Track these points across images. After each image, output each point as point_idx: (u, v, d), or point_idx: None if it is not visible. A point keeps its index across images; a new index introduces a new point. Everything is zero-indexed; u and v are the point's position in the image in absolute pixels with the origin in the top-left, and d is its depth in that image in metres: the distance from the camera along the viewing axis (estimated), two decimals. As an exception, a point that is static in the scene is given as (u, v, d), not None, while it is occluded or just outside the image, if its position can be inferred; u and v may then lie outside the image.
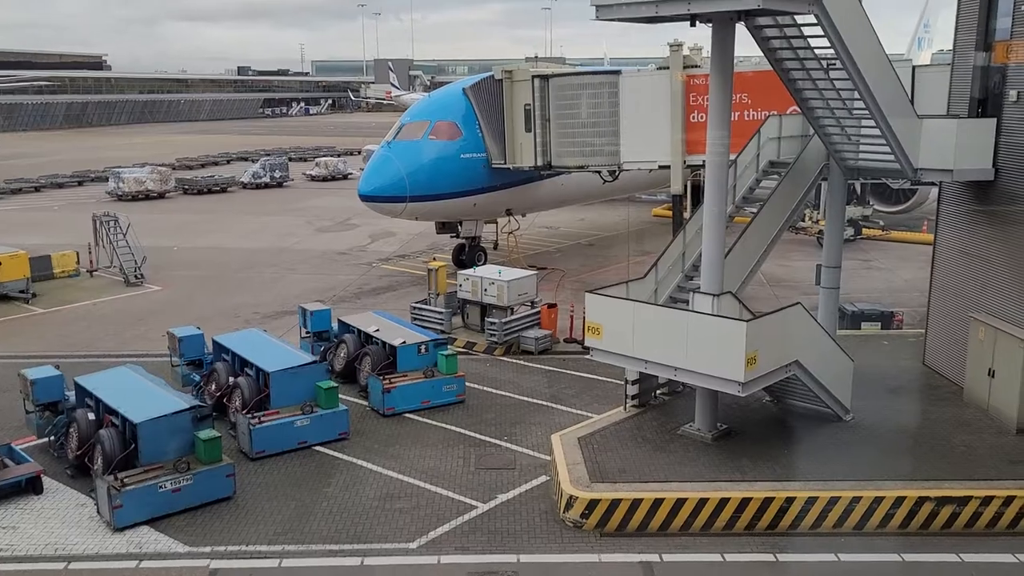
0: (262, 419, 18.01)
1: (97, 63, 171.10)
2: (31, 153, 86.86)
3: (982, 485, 14.76)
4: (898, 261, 36.20)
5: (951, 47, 20.38)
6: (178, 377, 21.32)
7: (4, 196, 57.62)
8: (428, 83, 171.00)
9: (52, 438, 17.99)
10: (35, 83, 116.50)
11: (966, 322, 18.68)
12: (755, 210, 19.84)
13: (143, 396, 17.22)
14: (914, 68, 22.87)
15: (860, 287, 30.52)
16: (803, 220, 39.17)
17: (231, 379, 19.53)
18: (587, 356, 17.83)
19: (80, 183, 64.05)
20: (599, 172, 31.51)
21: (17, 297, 30.09)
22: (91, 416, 17.21)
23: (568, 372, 23.05)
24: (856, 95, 16.07)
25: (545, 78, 30.34)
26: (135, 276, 32.97)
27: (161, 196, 56.89)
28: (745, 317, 15.60)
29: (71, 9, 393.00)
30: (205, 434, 16.22)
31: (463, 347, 24.98)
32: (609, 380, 21.46)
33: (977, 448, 16.47)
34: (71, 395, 18.39)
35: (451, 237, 35.11)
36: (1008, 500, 14.43)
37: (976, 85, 18.79)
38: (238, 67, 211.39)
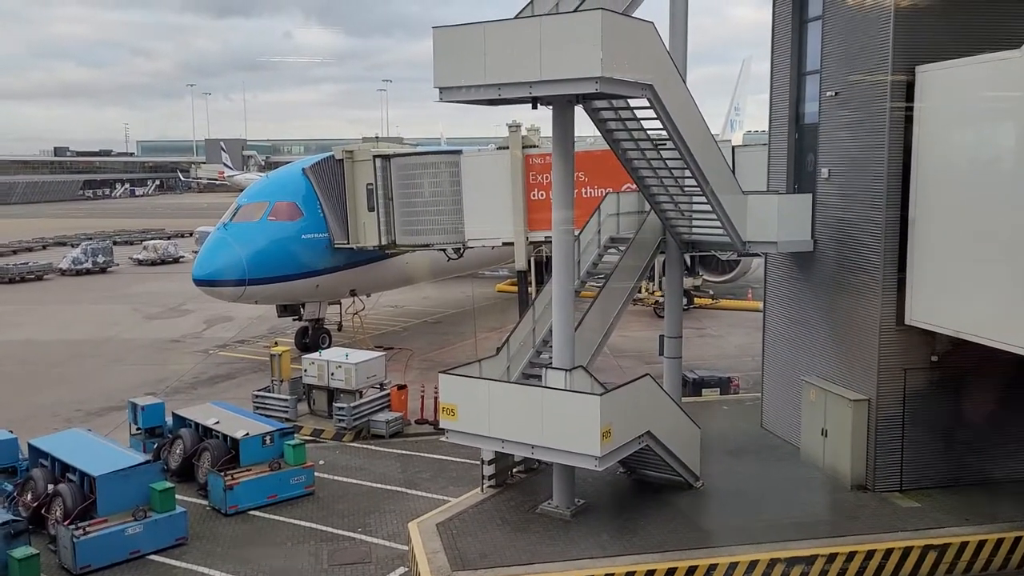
0: (87, 529, 16.32)
1: None
2: None
3: (825, 543, 15.39)
4: (728, 328, 38.19)
5: (763, 128, 22.08)
6: (-14, 489, 19.11)
7: None
8: (263, 163, 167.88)
9: None
10: None
11: (798, 385, 19.77)
12: (599, 284, 20.39)
13: (-57, 514, 15.27)
14: (734, 148, 24.59)
15: (696, 354, 31.86)
16: (640, 292, 40.78)
17: (51, 487, 17.68)
18: (441, 437, 17.45)
19: None
20: (444, 250, 31.63)
21: None
22: None
23: (422, 455, 22.50)
24: (687, 172, 16.99)
25: (387, 158, 30.38)
26: (-66, 376, 29.70)
27: (-34, 286, 52.11)
28: (598, 391, 15.79)
29: None
30: (19, 552, 14.57)
31: (310, 435, 23.94)
32: (464, 460, 21.09)
33: (817, 506, 17.26)
34: None
35: (293, 320, 34.02)
36: (850, 556, 15.11)
37: (791, 163, 20.38)
38: (55, 147, 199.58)
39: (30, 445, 19.07)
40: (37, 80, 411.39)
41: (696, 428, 17.99)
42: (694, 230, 19.41)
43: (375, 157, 30.31)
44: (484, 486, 18.24)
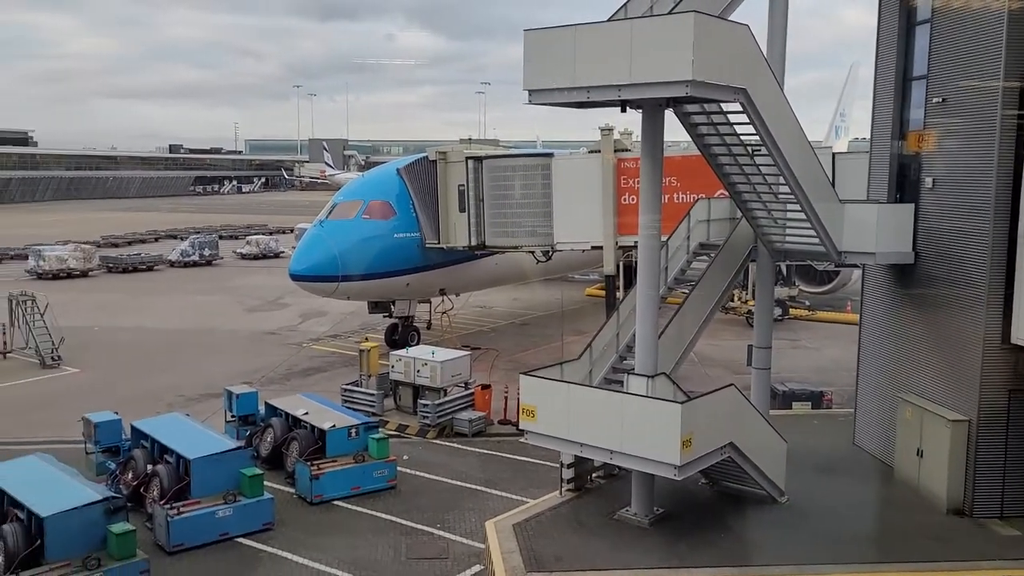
0: (181, 510, 17.07)
1: (22, 139, 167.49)
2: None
3: (915, 567, 14.75)
4: (824, 340, 37.02)
5: (867, 136, 21.31)
6: (92, 466, 20.20)
7: (-86, 274, 55.18)
8: (362, 163, 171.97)
9: (-51, 535, 16.70)
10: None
11: (894, 402, 19.01)
12: (687, 291, 20.09)
13: (52, 487, 16.18)
14: (834, 155, 23.82)
15: (788, 366, 30.99)
16: (732, 300, 39.95)
17: (149, 467, 18.56)
18: (522, 438, 17.51)
19: (-2, 261, 61.89)
20: (532, 252, 31.73)
21: (-80, 381, 28.45)
22: (-7, 510, 16.07)
23: (502, 455, 22.61)
24: (781, 179, 16.56)
25: (479, 159, 30.69)
26: (52, 358, 31.54)
27: (84, 275, 55.17)
28: (679, 399, 15.57)
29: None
30: (118, 527, 15.26)
31: (395, 430, 24.37)
32: (544, 463, 21.09)
33: (909, 528, 16.55)
34: (-27, 487, 17.17)
35: (384, 317, 34.71)
36: (942, 581, 14.45)
37: (894, 172, 19.61)
38: (170, 144, 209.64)
39: (132, 427, 20.05)
40: (154, 81, 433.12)
41: (783, 442, 17.51)
42: (787, 238, 18.90)
43: (467, 159, 30.65)
44: (563, 489, 18.21)
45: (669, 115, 15.68)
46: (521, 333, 38.82)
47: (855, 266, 24.02)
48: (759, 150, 16.37)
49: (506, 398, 25.29)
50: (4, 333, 32.94)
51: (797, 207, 16.96)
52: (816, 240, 17.61)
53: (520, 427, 17.22)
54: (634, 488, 16.93)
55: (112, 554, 15.04)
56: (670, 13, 14.24)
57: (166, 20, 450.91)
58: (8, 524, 15.36)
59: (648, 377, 16.39)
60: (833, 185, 18.52)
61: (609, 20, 15.25)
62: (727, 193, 18.57)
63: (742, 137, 16.36)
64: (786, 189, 16.71)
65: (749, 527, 16.47)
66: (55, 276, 53.27)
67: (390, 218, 31.35)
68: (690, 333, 19.43)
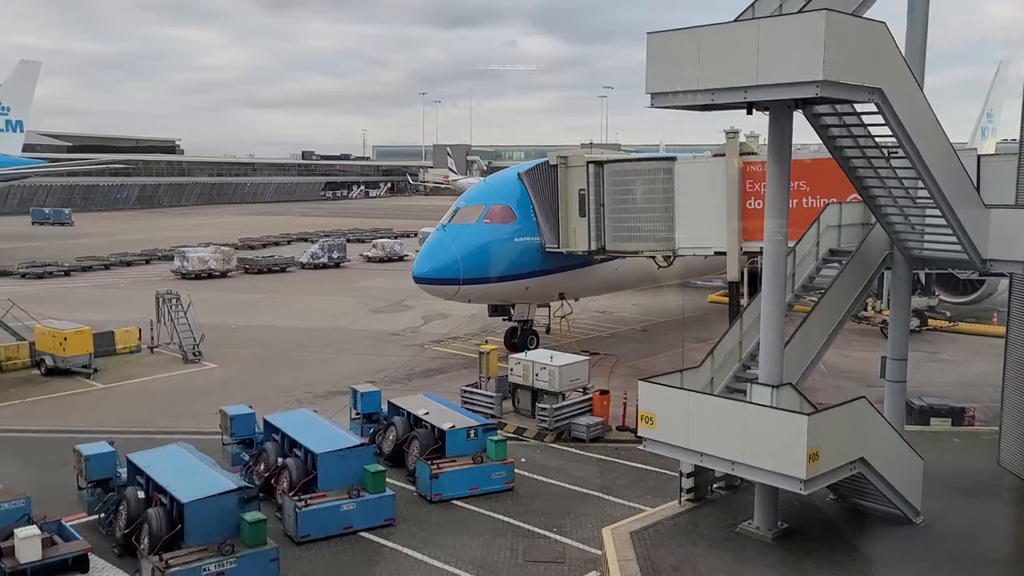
0: (308, 502, 17.78)
1: (170, 147, 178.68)
2: (104, 232, 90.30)
3: (1068, 599, 13.68)
4: (967, 354, 34.90)
5: (1016, 137, 19.95)
6: (228, 456, 21.29)
7: (76, 273, 59.61)
8: (485, 168, 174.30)
9: (102, 515, 17.98)
10: (111, 166, 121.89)
11: (1043, 420, 17.70)
12: (815, 299, 19.36)
13: (192, 475, 17.17)
14: (979, 157, 22.42)
15: (927, 380, 29.37)
16: (866, 309, 38.25)
17: (280, 460, 19.42)
18: (640, 446, 17.29)
19: (148, 261, 66.03)
20: (654, 257, 31.34)
21: (79, 372, 30.69)
22: (140, 494, 17.18)
23: (620, 461, 22.42)
24: (919, 183, 15.72)
25: (600, 164, 30.58)
26: (193, 354, 33.46)
27: (223, 275, 58.25)
28: (806, 410, 15.00)
29: (148, 96, 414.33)
30: (251, 516, 16.03)
31: (513, 433, 24.56)
32: (663, 471, 20.79)
33: (1061, 557, 15.39)
34: (123, 472, 18.43)
35: (503, 320, 35.07)
36: (1099, 617, 13.33)
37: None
38: (302, 151, 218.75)
39: (265, 420, 21.01)
40: (289, 90, 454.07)
41: (919, 459, 16.59)
42: (926, 245, 17.91)
43: (588, 163, 30.59)
44: (682, 499, 17.87)
45: (798, 117, 15.17)
46: (641, 339, 38.41)
47: (1001, 275, 22.53)
48: (896, 152, 15.60)
49: (624, 404, 25.07)
50: (152, 329, 35.17)
51: (937, 212, 16.05)
52: (958, 247, 16.61)
53: (638, 434, 17.02)
54: (757, 501, 16.43)
55: (245, 541, 15.80)
56: (800, 12, 13.78)
57: (301, 32, 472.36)
58: (153, 508, 16.41)
59: (773, 387, 15.89)
60: (978, 189, 17.43)
61: (735, 21, 14.90)
62: (860, 197, 17.78)
63: (877, 139, 15.63)
64: (925, 193, 15.84)
65: (880, 547, 15.69)
66: (197, 276, 56.48)
67: (511, 222, 31.66)
68: (818, 343, 18.70)
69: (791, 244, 18.52)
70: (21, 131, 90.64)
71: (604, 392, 25.43)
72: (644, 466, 21.63)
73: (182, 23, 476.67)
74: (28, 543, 15.48)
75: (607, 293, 40.45)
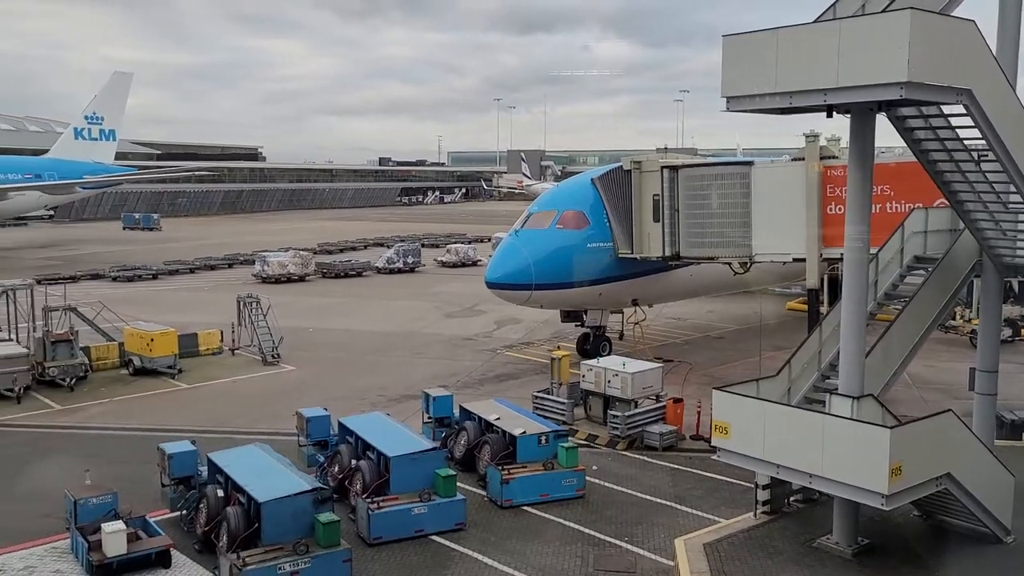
0: (381, 504, 17.99)
1: (253, 154, 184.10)
2: (190, 237, 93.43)
3: None
4: (1063, 365, 33.22)
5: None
6: (304, 457, 21.72)
7: (163, 276, 61.84)
8: (559, 173, 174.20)
9: (183, 512, 18.55)
10: (198, 173, 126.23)
11: None
12: (899, 307, 18.71)
13: (269, 475, 17.55)
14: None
15: (1019, 393, 28.07)
16: (954, 318, 36.78)
17: (353, 462, 19.72)
18: (714, 456, 16.98)
19: (230, 265, 68.03)
20: (729, 264, 30.78)
21: (165, 372, 31.78)
22: (220, 493, 17.65)
23: (694, 471, 22.05)
24: (1011, 188, 15.04)
25: (675, 168, 30.20)
26: (272, 356, 34.29)
27: (302, 279, 59.59)
28: (889, 423, 14.50)
29: (233, 105, 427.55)
30: (325, 517, 16.30)
31: (585, 439, 24.41)
32: (738, 482, 20.36)
33: None
34: (204, 470, 18.98)
35: (576, 326, 34.94)
36: None
37: None
38: (379, 157, 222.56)
39: (339, 423, 21.37)
40: (367, 98, 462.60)
41: (1009, 476, 15.87)
42: (1018, 252, 17.15)
43: (663, 168, 30.25)
44: (757, 511, 17.49)
45: (881, 119, 14.70)
46: (716, 347, 37.77)
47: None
48: (986, 156, 14.97)
49: (699, 413, 24.66)
50: (233, 332, 36.20)
51: (1031, 217, 15.35)
52: (1053, 254, 15.85)
53: (712, 444, 16.71)
54: (836, 515, 15.96)
55: (319, 542, 16.08)
56: (884, 11, 13.35)
57: (380, 41, 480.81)
58: (231, 507, 16.84)
59: (853, 398, 15.41)
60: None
61: (815, 21, 14.53)
62: (947, 202, 17.12)
63: (966, 142, 15.03)
64: (1017, 198, 15.16)
65: (966, 567, 15.05)
66: (277, 280, 57.92)
67: (583, 228, 31.53)
68: (901, 353, 18.08)
69: (873, 251, 17.95)
70: (114, 140, 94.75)
71: (678, 400, 25.07)
72: (718, 476, 21.23)
73: (267, 34, 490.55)
74: (114, 537, 16.08)
75: (682, 299, 39.90)
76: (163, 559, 16.67)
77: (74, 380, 30.05)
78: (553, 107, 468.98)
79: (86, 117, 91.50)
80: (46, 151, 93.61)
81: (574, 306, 33.22)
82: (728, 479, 20.86)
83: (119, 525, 16.34)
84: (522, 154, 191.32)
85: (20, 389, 28.48)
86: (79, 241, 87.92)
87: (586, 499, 20.14)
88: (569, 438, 21.76)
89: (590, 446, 24.09)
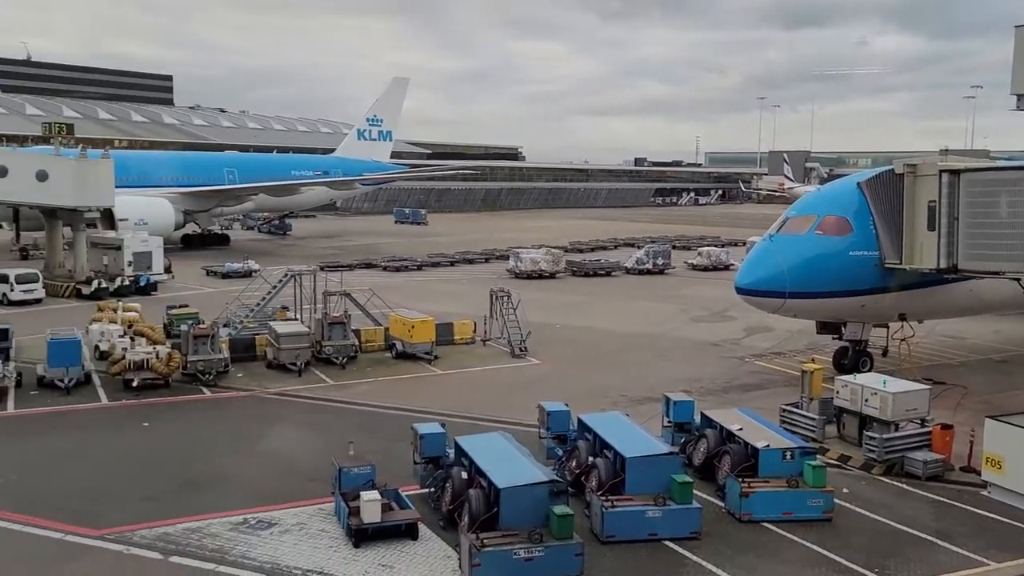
0: (615, 503, 18.07)
1: (513, 154, 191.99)
2: (452, 232, 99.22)
3: None
4: None
5: None
6: (544, 449, 22.31)
7: (427, 268, 66.23)
8: (825, 175, 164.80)
9: (431, 490, 19.77)
10: (462, 171, 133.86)
11: None
12: None
13: (510, 463, 18.27)
14: None
15: None
16: None
17: (590, 459, 19.95)
18: (984, 491, 15.25)
19: (487, 260, 71.37)
20: (1019, 279, 27.47)
21: (422, 358, 34.03)
22: (464, 475, 18.62)
23: (961, 506, 19.90)
24: None
25: (955, 172, 27.44)
26: (520, 349, 35.53)
27: (552, 276, 61.15)
28: None
29: (496, 107, 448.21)
30: (559, 509, 16.67)
31: (836, 460, 22.92)
32: (1015, 523, 18.13)
33: None
34: (451, 452, 20.11)
35: (833, 338, 32.85)
36: None
37: None
38: (635, 158, 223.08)
39: (579, 419, 21.71)
40: (625, 97, 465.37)
41: None
42: None
43: (941, 172, 27.59)
44: (1036, 559, 15.50)
45: None
46: (999, 371, 33.89)
47: None
48: None
49: (971, 443, 22.21)
50: (485, 323, 37.96)
51: None
52: None
53: (983, 478, 15.03)
54: None
55: (553, 533, 16.48)
56: None
57: (639, 41, 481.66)
58: (473, 489, 17.70)
59: None
60: None
61: None
62: None
63: None
64: None
65: None
66: (528, 276, 59.90)
67: (846, 234, 29.53)
68: None
69: None
70: (390, 140, 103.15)
71: (947, 427, 22.75)
72: (991, 514, 18.99)
73: (531, 38, 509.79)
74: (371, 506, 17.55)
75: (958, 316, 36.21)
76: (412, 531, 17.94)
77: (346, 359, 33.01)
78: (821, 105, 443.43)
79: (367, 119, 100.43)
80: (333, 150, 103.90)
81: (831, 317, 31.27)
82: (1003, 519, 18.62)
83: (375, 495, 17.80)
84: (785, 155, 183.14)
85: (302, 364, 31.79)
86: (357, 233, 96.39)
87: (833, 523, 18.94)
88: (817, 456, 20.58)
89: (841, 467, 22.58)
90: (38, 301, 45.35)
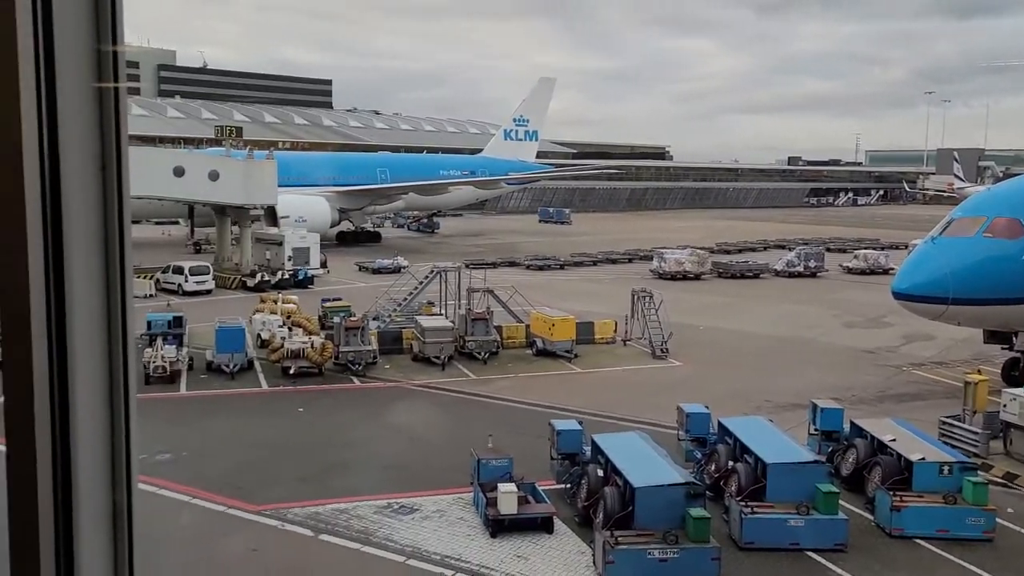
0: (755, 510, 17.62)
1: (660, 153, 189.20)
2: (595, 231, 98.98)
3: None
4: None
5: None
6: (682, 451, 22.02)
7: (569, 267, 66.47)
8: (1000, 174, 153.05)
9: (567, 485, 19.93)
10: (607, 171, 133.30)
11: None
12: None
13: (646, 463, 18.18)
14: None
15: None
16: None
17: (730, 463, 19.53)
18: None
19: (630, 260, 70.77)
20: None
21: (562, 356, 34.26)
22: (600, 472, 18.66)
23: None
24: None
25: None
26: (660, 350, 35.13)
27: (697, 277, 59.93)
28: None
29: (644, 106, 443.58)
30: (696, 512, 16.44)
31: (1001, 478, 21.41)
32: None
33: None
34: (588, 450, 20.19)
35: (1002, 348, 30.60)
36: None
37: None
38: (788, 157, 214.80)
39: (719, 422, 21.29)
40: (778, 95, 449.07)
41: None
42: None
43: None
44: None
45: None
46: None
47: None
48: None
49: None
50: (626, 324, 37.75)
51: None
52: None
53: None
54: None
55: (689, 535, 16.27)
56: None
57: (794, 35, 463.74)
58: (609, 487, 17.72)
59: None
60: None
61: None
62: None
63: None
64: None
65: None
66: (672, 277, 58.95)
67: (1018, 237, 27.43)
68: None
69: None
70: (536, 140, 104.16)
71: None
72: None
73: (682, 35, 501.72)
74: (507, 498, 17.90)
75: None
76: (547, 525, 18.16)
77: (487, 355, 33.71)
78: (997, 100, 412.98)
79: (514, 119, 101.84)
80: (480, 150, 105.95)
81: (1001, 326, 29.14)
82: None
83: (512, 487, 18.14)
84: (955, 153, 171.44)
85: (445, 358, 32.73)
86: (501, 231, 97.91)
87: (995, 544, 17.70)
88: (979, 472, 19.28)
89: (1007, 486, 21.09)
90: (208, 292, 48.81)
